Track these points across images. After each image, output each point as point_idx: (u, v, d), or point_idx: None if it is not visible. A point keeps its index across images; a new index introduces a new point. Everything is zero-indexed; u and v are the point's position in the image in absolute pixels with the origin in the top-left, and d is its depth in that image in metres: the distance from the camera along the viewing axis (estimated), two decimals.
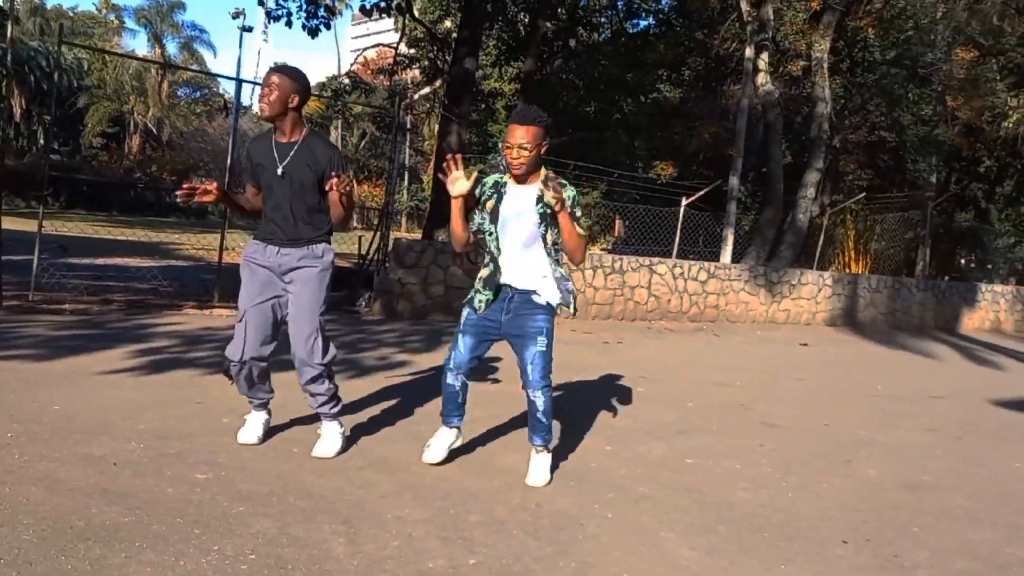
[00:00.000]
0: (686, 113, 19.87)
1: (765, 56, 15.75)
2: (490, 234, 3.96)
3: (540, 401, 3.94)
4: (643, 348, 9.60)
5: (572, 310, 4.00)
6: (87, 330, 6.97)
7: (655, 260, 12.47)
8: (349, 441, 4.29)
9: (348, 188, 3.84)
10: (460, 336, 3.98)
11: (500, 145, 3.95)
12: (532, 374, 3.90)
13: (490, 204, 3.93)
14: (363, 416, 4.98)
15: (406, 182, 42.06)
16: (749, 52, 15.07)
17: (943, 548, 3.69)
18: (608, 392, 6.52)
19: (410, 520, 3.36)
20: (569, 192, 3.83)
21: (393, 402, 5.45)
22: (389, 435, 4.63)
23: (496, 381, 6.39)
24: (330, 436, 4.15)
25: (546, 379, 3.93)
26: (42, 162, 31.89)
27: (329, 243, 4.05)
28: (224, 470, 3.72)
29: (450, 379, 4.01)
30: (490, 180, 4.01)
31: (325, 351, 3.98)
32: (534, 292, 3.91)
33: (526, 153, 3.76)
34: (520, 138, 3.75)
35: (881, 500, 4.34)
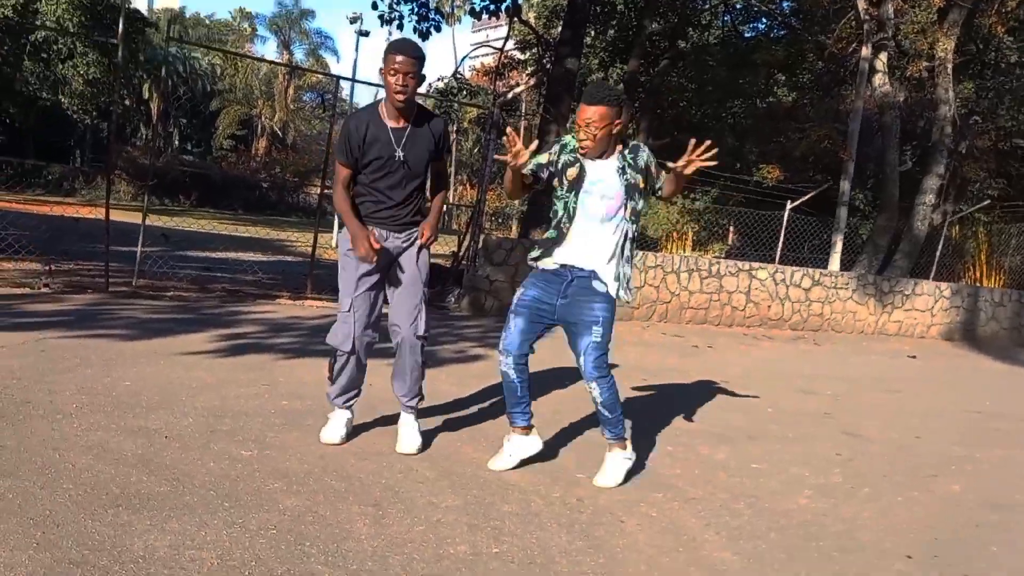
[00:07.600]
0: (799, 116, 19.13)
1: (883, 56, 14.99)
2: (564, 203, 3.74)
3: (597, 392, 3.75)
4: (733, 353, 9.26)
5: (630, 297, 3.84)
6: (180, 315, 7.24)
7: (755, 265, 12.03)
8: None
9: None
10: (512, 317, 3.81)
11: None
12: (585, 365, 3.73)
13: (572, 172, 3.69)
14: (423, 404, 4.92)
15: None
16: (865, 52, 14.37)
17: (1022, 570, 3.38)
18: (681, 394, 6.28)
19: (441, 506, 3.31)
20: (644, 155, 3.76)
21: (454, 392, 5.39)
22: (444, 424, 4.60)
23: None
24: (415, 430, 4.08)
25: (601, 370, 3.73)
26: (159, 161, 33.91)
27: None
28: (269, 448, 3.77)
29: (503, 365, 3.81)
30: (570, 143, 3.74)
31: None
32: (595, 278, 3.71)
33: (593, 133, 3.58)
34: (588, 117, 3.56)
35: (961, 518, 4.02)
